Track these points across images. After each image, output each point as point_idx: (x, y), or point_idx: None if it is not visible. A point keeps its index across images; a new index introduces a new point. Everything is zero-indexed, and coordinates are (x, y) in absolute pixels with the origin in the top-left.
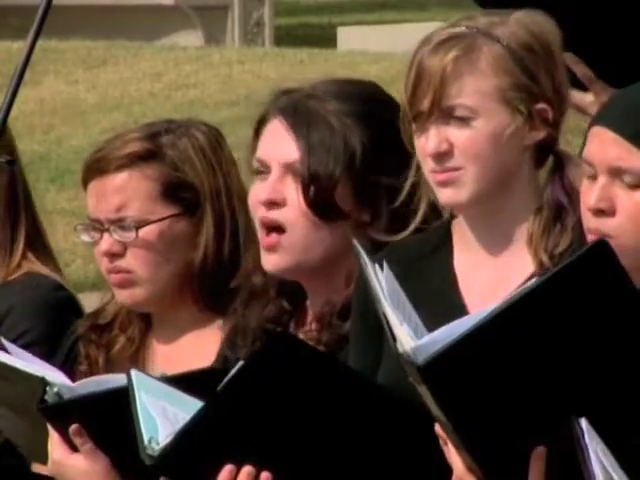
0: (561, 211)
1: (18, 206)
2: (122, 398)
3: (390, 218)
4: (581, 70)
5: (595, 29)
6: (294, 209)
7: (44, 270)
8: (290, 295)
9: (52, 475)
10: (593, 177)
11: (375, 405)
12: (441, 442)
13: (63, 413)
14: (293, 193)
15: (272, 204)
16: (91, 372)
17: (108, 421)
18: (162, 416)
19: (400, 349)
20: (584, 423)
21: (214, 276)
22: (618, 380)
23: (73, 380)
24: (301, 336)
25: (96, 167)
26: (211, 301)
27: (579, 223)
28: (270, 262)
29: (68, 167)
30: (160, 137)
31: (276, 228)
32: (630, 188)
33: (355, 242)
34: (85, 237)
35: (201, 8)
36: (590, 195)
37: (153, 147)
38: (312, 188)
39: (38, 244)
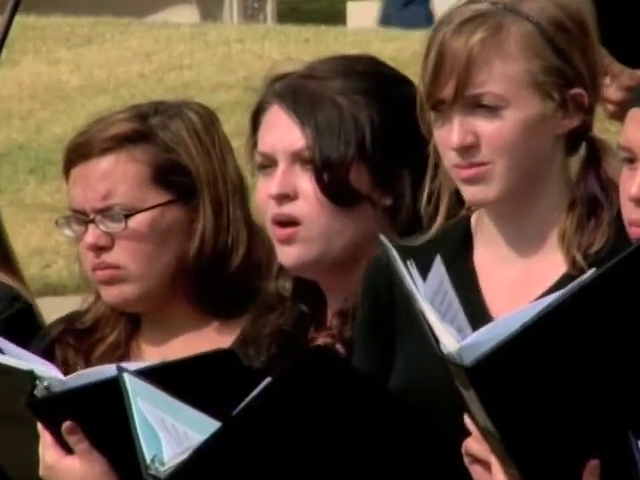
0: (596, 206)
1: None
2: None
3: (415, 200)
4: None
5: (611, 9)
6: (309, 200)
7: (2, 279)
8: (308, 298)
9: None
10: (633, 164)
11: (407, 430)
12: (466, 461)
13: (54, 409)
14: (305, 183)
15: (284, 198)
16: None
17: (104, 417)
18: (164, 429)
19: (444, 351)
20: None
21: (210, 271)
22: None
23: None
24: (322, 337)
25: (79, 152)
26: (206, 300)
27: (617, 219)
28: (289, 255)
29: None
30: (149, 118)
31: (291, 223)
32: None
33: (381, 236)
34: (67, 231)
35: None
36: (631, 183)
37: (142, 128)
38: (325, 174)
39: None
